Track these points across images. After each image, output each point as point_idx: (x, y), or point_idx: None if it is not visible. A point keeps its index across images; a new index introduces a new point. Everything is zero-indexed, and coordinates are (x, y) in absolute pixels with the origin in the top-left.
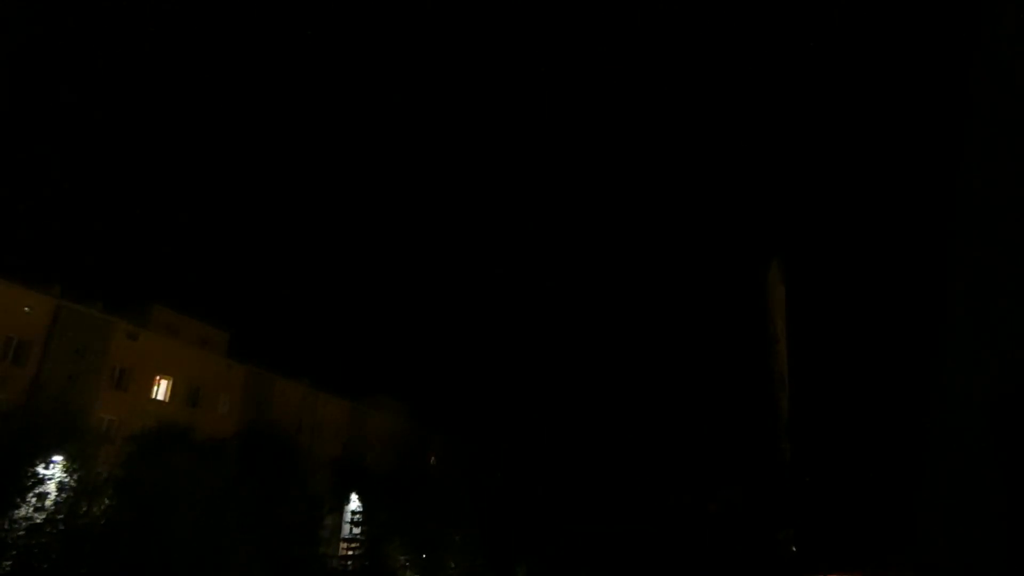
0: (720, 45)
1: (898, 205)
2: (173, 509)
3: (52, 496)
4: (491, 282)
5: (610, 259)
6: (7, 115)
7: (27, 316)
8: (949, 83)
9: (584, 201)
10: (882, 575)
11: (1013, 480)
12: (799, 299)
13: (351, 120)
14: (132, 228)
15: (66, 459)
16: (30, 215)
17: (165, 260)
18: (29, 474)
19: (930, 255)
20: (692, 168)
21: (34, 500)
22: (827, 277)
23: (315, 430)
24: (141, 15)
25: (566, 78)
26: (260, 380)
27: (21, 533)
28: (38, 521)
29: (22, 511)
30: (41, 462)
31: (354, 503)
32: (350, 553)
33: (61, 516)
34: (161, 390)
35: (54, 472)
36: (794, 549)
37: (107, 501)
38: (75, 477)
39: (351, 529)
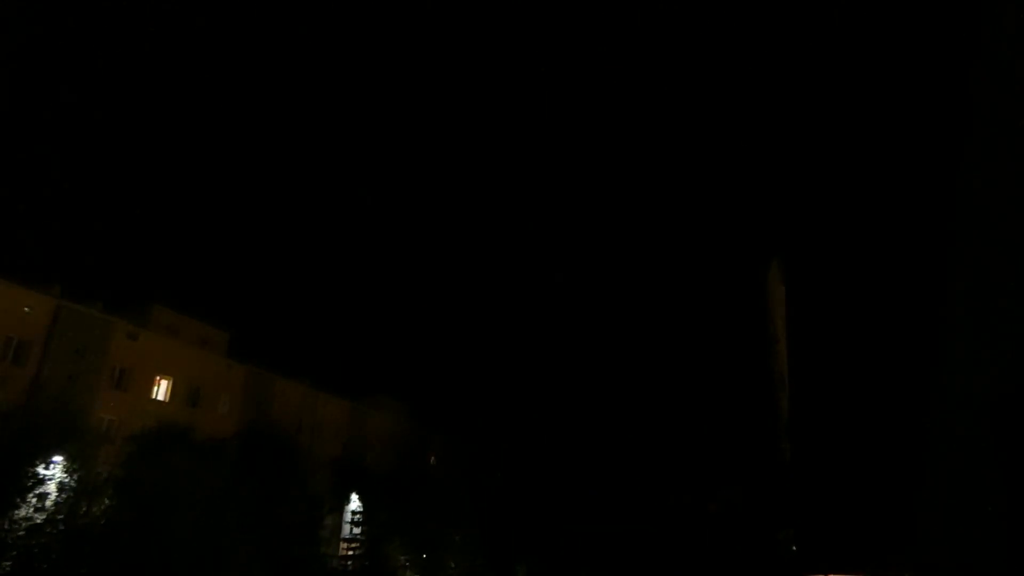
0: (720, 45)
1: (898, 205)
2: (173, 509)
3: (52, 496)
4: (491, 282)
5: (610, 260)
6: (7, 115)
7: (27, 316)
8: (949, 83)
9: (584, 202)
10: (882, 575)
11: (1013, 480)
12: (799, 299)
13: (351, 119)
14: (132, 228)
15: (66, 459)
16: (30, 215)
17: (165, 260)
18: (29, 474)
19: (930, 256)
20: (692, 169)
21: (34, 500)
22: (827, 277)
23: (315, 430)
24: (141, 15)
25: (565, 78)
26: (260, 380)
27: (21, 533)
28: (38, 521)
29: (22, 511)
30: (41, 462)
31: (354, 503)
32: (350, 553)
33: (61, 516)
34: (161, 390)
35: (54, 472)
36: (794, 549)
37: (107, 501)
38: (75, 477)
39: (351, 529)
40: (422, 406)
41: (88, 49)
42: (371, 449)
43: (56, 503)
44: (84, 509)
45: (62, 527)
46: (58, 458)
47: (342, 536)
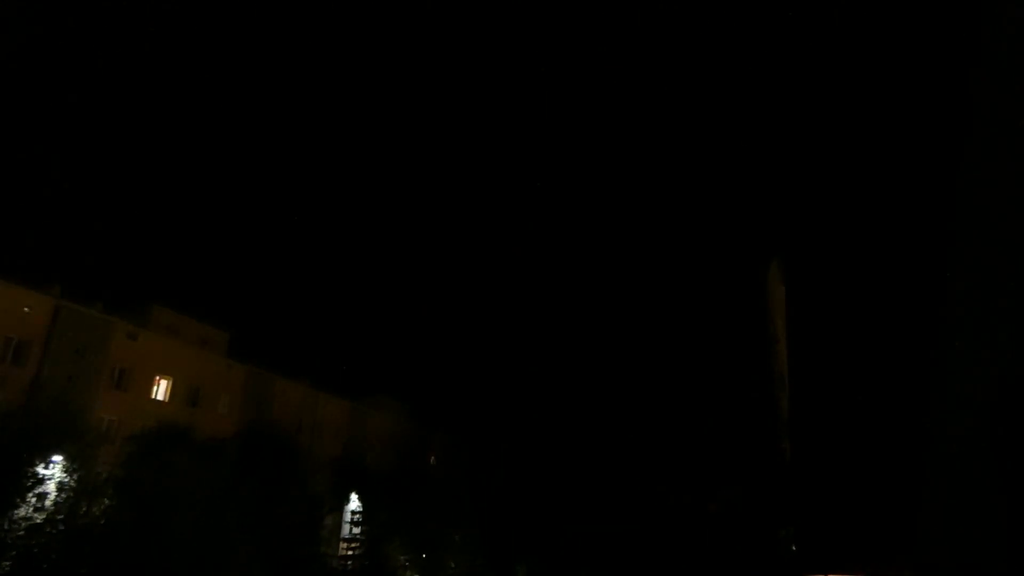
0: (720, 45)
1: (899, 205)
2: (173, 509)
3: (52, 496)
4: (492, 282)
5: (610, 260)
6: (7, 115)
7: (27, 316)
8: (949, 83)
9: (584, 201)
10: (882, 574)
11: (1012, 479)
12: (799, 299)
13: (351, 119)
14: (132, 228)
15: (66, 459)
16: (30, 215)
17: (165, 260)
18: (29, 474)
19: (930, 256)
20: (692, 169)
21: (34, 500)
22: (827, 277)
23: (315, 430)
24: (141, 15)
25: (564, 78)
26: (260, 380)
27: (21, 533)
28: (38, 521)
29: (22, 511)
30: (41, 462)
31: (354, 503)
32: (350, 553)
33: (61, 516)
34: (161, 390)
35: (54, 472)
36: (794, 548)
37: (107, 501)
38: (75, 477)
39: (351, 529)
40: (422, 406)
41: (88, 49)
42: (371, 449)
43: (56, 503)
44: (84, 509)
45: (62, 527)
46: (58, 458)
47: (342, 536)
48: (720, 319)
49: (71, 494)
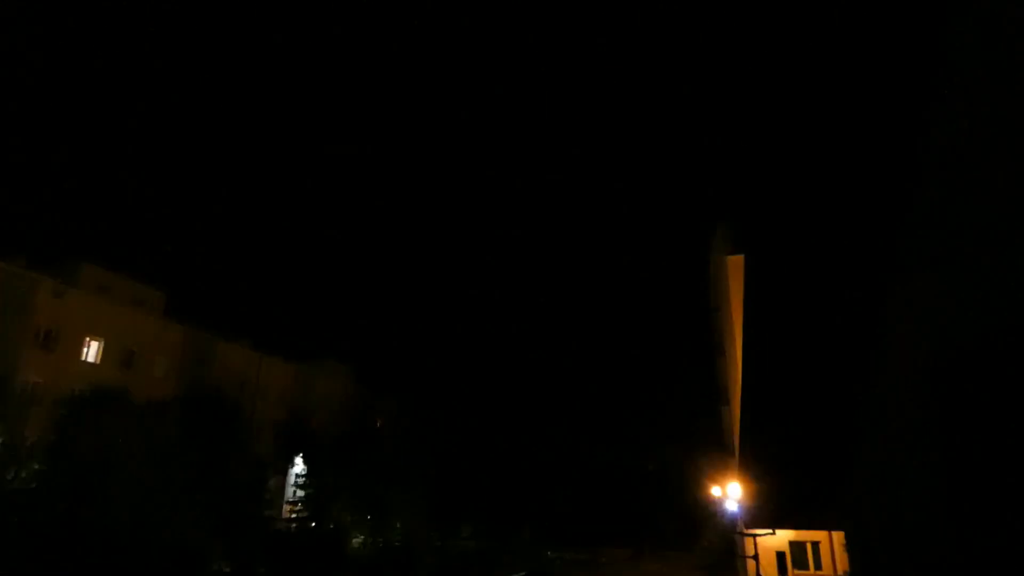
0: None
1: (853, 177)
2: (110, 472)
3: None
4: (436, 246)
5: (551, 221)
6: None
7: None
8: (911, 76)
9: (513, 148)
10: (816, 526)
11: (947, 443)
12: (752, 269)
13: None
14: (64, 185)
15: None
16: None
17: (97, 217)
18: None
19: (883, 225)
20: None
21: None
22: (778, 245)
23: (259, 393)
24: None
25: (552, 76)
26: (200, 342)
27: None
28: None
29: None
30: None
31: (299, 466)
32: (294, 516)
33: None
34: (92, 352)
35: None
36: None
37: (37, 465)
38: (0, 441)
39: (295, 492)
40: (369, 370)
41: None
42: (317, 413)
43: None
44: (12, 475)
45: None
46: None
47: (286, 499)
48: (663, 284)
49: None
